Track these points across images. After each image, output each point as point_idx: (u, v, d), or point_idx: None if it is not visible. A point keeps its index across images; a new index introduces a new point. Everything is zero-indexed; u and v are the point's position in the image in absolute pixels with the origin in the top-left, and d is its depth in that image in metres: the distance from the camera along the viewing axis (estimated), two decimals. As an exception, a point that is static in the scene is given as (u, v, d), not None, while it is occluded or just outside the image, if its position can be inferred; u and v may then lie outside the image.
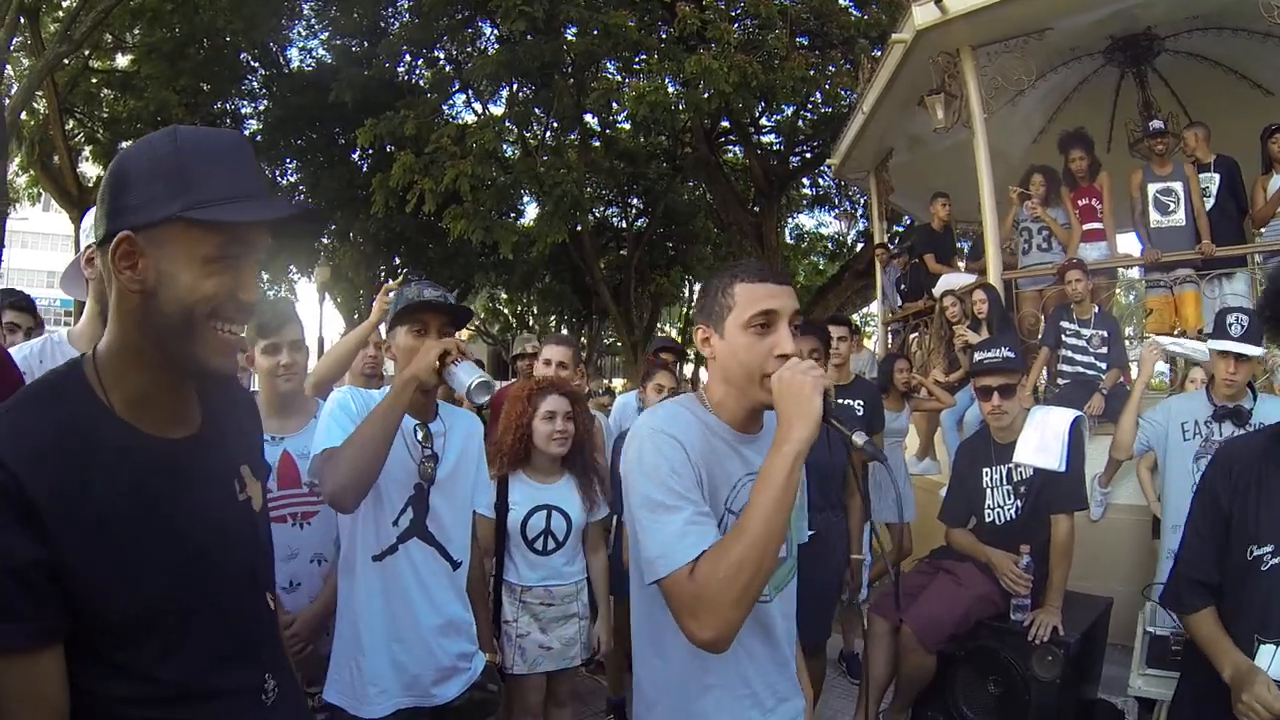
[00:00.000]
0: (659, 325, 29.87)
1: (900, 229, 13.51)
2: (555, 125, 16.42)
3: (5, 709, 1.07)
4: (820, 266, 25.34)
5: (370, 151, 16.17)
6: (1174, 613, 2.40)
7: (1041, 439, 3.56)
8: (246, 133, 19.45)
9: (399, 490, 2.36)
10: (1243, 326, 3.62)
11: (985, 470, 3.69)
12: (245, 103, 19.55)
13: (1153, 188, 6.63)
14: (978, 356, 3.73)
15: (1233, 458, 2.17)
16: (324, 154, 18.97)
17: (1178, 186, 6.59)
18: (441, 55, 17.18)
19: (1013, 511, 3.61)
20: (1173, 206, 6.56)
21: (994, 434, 3.72)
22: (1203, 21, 7.73)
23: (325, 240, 20.00)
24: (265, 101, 19.29)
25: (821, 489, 3.71)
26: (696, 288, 28.23)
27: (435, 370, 2.25)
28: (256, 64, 18.89)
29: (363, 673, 2.32)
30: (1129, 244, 7.73)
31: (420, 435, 2.42)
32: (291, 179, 19.83)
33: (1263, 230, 6.60)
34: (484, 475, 2.76)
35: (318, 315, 18.44)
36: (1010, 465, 3.64)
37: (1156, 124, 6.85)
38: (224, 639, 1.27)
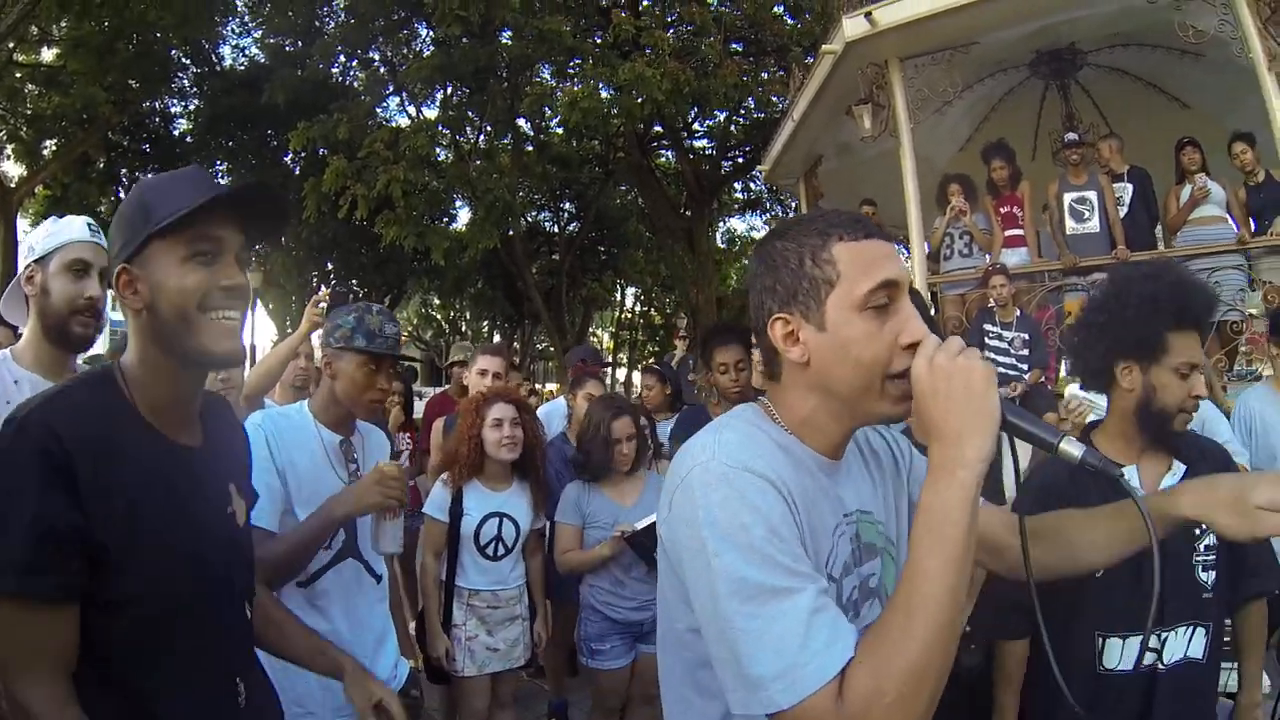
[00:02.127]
0: (591, 330, 29.96)
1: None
2: (489, 129, 16.39)
3: (23, 656, 1.19)
4: None
5: (303, 155, 15.91)
6: (996, 638, 2.51)
7: None
8: (176, 133, 19.09)
9: None
10: None
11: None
12: (175, 101, 19.22)
13: (1068, 196, 6.92)
14: None
15: (1046, 486, 2.23)
16: (255, 156, 18.66)
17: (1092, 195, 6.88)
18: (376, 57, 17.03)
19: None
20: (1088, 214, 6.85)
21: (915, 434, 3.84)
22: (1124, 38, 8.06)
23: (256, 246, 19.59)
24: (196, 101, 18.90)
25: None
26: (629, 292, 28.37)
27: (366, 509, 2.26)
28: (188, 61, 18.52)
29: (285, 694, 2.28)
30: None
31: (344, 451, 2.44)
32: (222, 181, 19.38)
33: (1176, 237, 6.91)
34: None
35: (249, 322, 17.99)
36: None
37: (1072, 136, 7.18)
38: (203, 638, 1.35)
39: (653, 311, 28.82)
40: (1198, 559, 2.09)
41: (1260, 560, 2.23)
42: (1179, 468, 2.13)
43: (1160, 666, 2.07)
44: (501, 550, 3.42)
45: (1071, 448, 1.10)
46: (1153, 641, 2.07)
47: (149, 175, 1.60)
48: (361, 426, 2.59)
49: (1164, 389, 2.07)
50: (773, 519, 1.05)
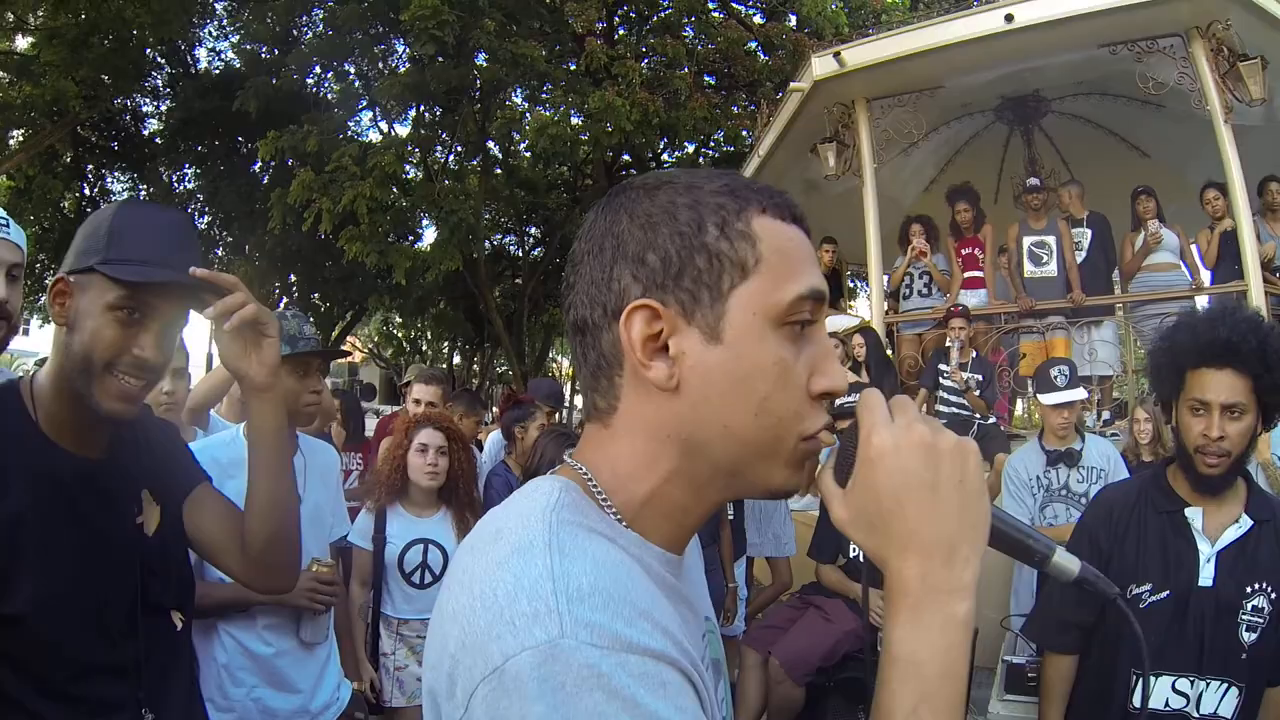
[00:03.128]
0: (551, 356, 29.90)
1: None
2: (459, 150, 16.36)
3: None
4: None
5: (272, 164, 15.79)
6: (1036, 645, 2.56)
7: None
8: (146, 132, 18.81)
9: None
10: (1066, 376, 4.03)
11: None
12: (147, 101, 18.80)
13: (1027, 240, 7.05)
14: (836, 401, 3.88)
15: (1112, 502, 2.33)
16: (225, 163, 18.38)
17: (1051, 240, 7.00)
18: (352, 70, 16.94)
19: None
20: (1046, 258, 6.98)
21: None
22: (1087, 87, 8.22)
23: (219, 253, 19.39)
24: (168, 102, 18.55)
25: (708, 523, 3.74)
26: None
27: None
28: (163, 61, 18.18)
29: (226, 715, 2.26)
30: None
31: None
32: (189, 186, 19.19)
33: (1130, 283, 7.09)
34: (342, 505, 2.78)
35: (208, 332, 17.66)
36: None
37: (1033, 181, 7.32)
38: (94, 653, 1.30)
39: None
40: (1244, 617, 2.08)
41: None
42: (1246, 522, 2.11)
43: (1194, 716, 2.08)
44: (429, 578, 3.33)
45: (1066, 561, 0.82)
46: (1187, 688, 2.09)
47: (133, 198, 1.50)
48: (305, 445, 2.57)
49: (1184, 427, 2.08)
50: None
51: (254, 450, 1.51)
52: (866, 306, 9.01)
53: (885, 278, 7.88)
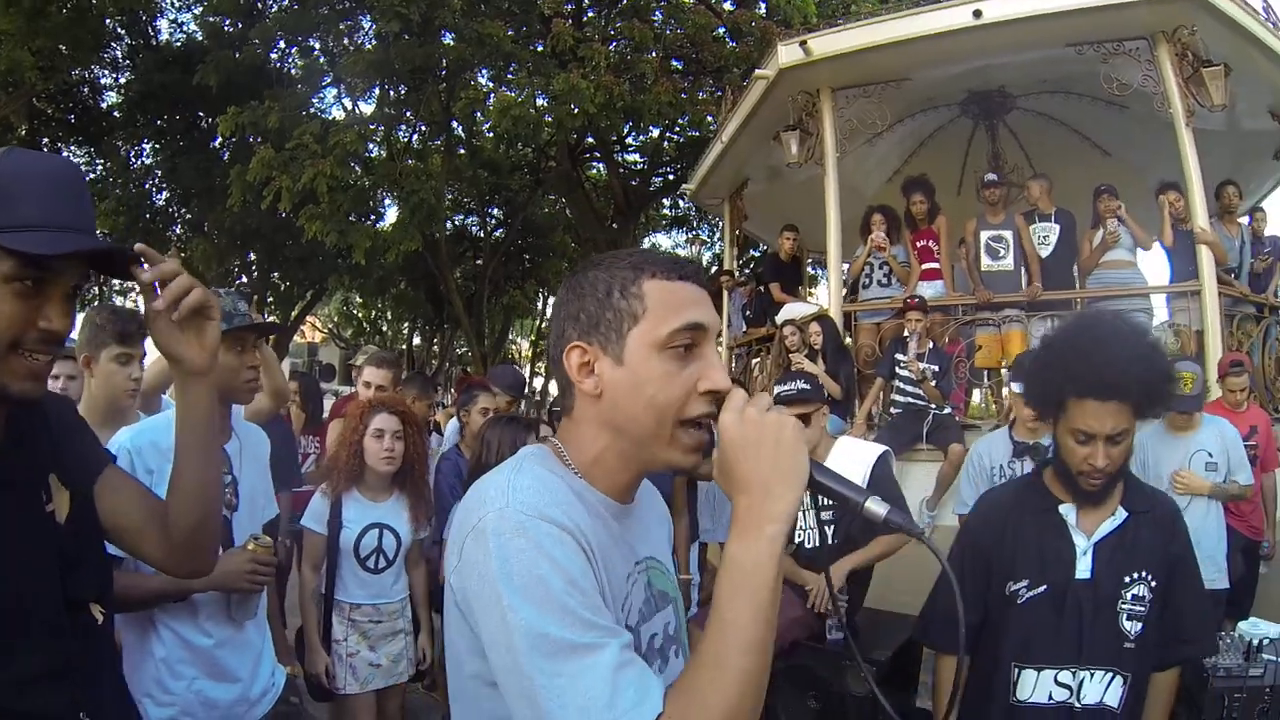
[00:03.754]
0: (510, 337, 29.82)
1: (759, 253, 13.93)
2: (424, 129, 16.17)
3: None
4: None
5: (232, 140, 15.49)
6: (925, 645, 2.62)
7: (844, 470, 3.70)
8: (104, 105, 18.35)
9: None
10: None
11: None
12: (106, 73, 18.31)
13: (985, 234, 7.14)
14: (775, 390, 3.90)
15: (992, 504, 2.44)
16: (184, 137, 17.96)
17: (1008, 234, 7.10)
18: (317, 46, 16.63)
19: (819, 535, 3.75)
20: (1003, 252, 7.07)
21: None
22: (1052, 85, 8.33)
23: (178, 230, 19.03)
24: (128, 74, 18.05)
25: None
26: (551, 301, 28.54)
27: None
28: (122, 32, 17.66)
29: (167, 709, 2.23)
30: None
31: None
32: (147, 161, 18.79)
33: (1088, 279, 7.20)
34: (271, 487, 2.78)
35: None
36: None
37: (991, 176, 7.42)
38: (27, 660, 1.20)
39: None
40: (1123, 606, 2.13)
41: (1197, 628, 2.27)
42: (1121, 514, 2.17)
43: (1076, 706, 2.13)
44: (382, 563, 3.35)
45: (876, 507, 1.08)
46: (1069, 679, 2.14)
47: (12, 146, 1.35)
48: (240, 428, 2.57)
49: (1064, 448, 2.13)
50: (572, 571, 1.01)
51: (186, 434, 1.46)
52: (826, 294, 9.08)
53: (845, 266, 7.94)
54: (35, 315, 1.20)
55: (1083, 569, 2.15)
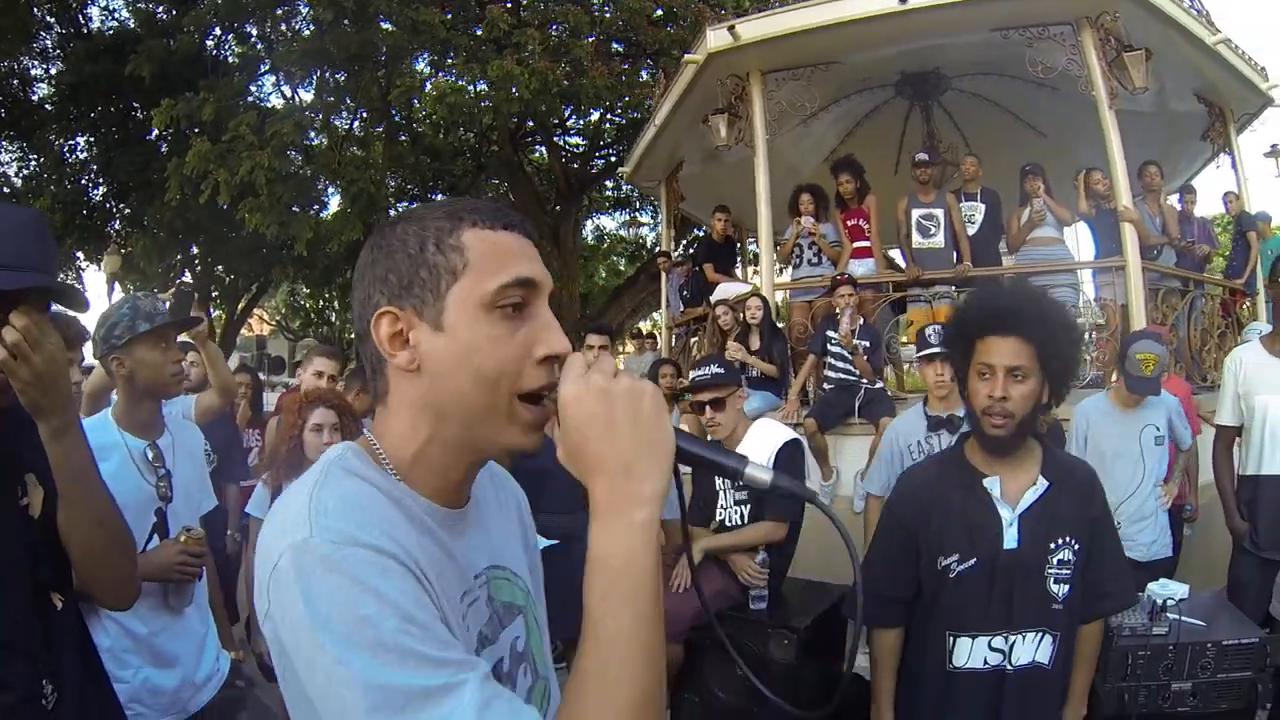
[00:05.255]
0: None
1: (700, 233, 13.99)
2: (364, 116, 15.95)
3: None
4: (621, 268, 25.53)
5: (169, 132, 15.12)
6: (863, 624, 2.69)
7: (754, 454, 3.73)
8: (35, 98, 17.77)
9: (139, 520, 2.33)
10: (939, 335, 4.11)
11: (716, 475, 3.88)
12: (36, 63, 17.67)
13: (916, 212, 7.27)
14: (691, 374, 3.97)
15: (915, 481, 2.50)
16: (119, 130, 17.38)
17: (939, 213, 7.23)
18: (254, 32, 16.27)
19: (739, 516, 3.85)
20: (933, 230, 7.20)
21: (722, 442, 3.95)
22: (985, 67, 8.46)
23: (116, 227, 18.56)
24: (59, 64, 17.45)
25: (574, 490, 3.82)
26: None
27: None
28: (52, 20, 17.13)
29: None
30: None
31: (151, 456, 2.45)
32: (82, 156, 18.22)
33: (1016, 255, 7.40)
34: (208, 480, 2.83)
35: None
36: None
37: (922, 155, 7.54)
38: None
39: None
40: (1050, 571, 2.23)
41: (1116, 583, 2.37)
42: (1043, 483, 2.25)
43: (1009, 668, 2.22)
44: None
45: (759, 473, 0.96)
46: (1000, 644, 2.23)
47: None
48: (173, 424, 2.62)
49: (972, 392, 2.23)
50: (403, 603, 0.82)
51: (66, 481, 1.48)
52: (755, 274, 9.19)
53: (778, 247, 8.02)
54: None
55: (1010, 539, 2.23)
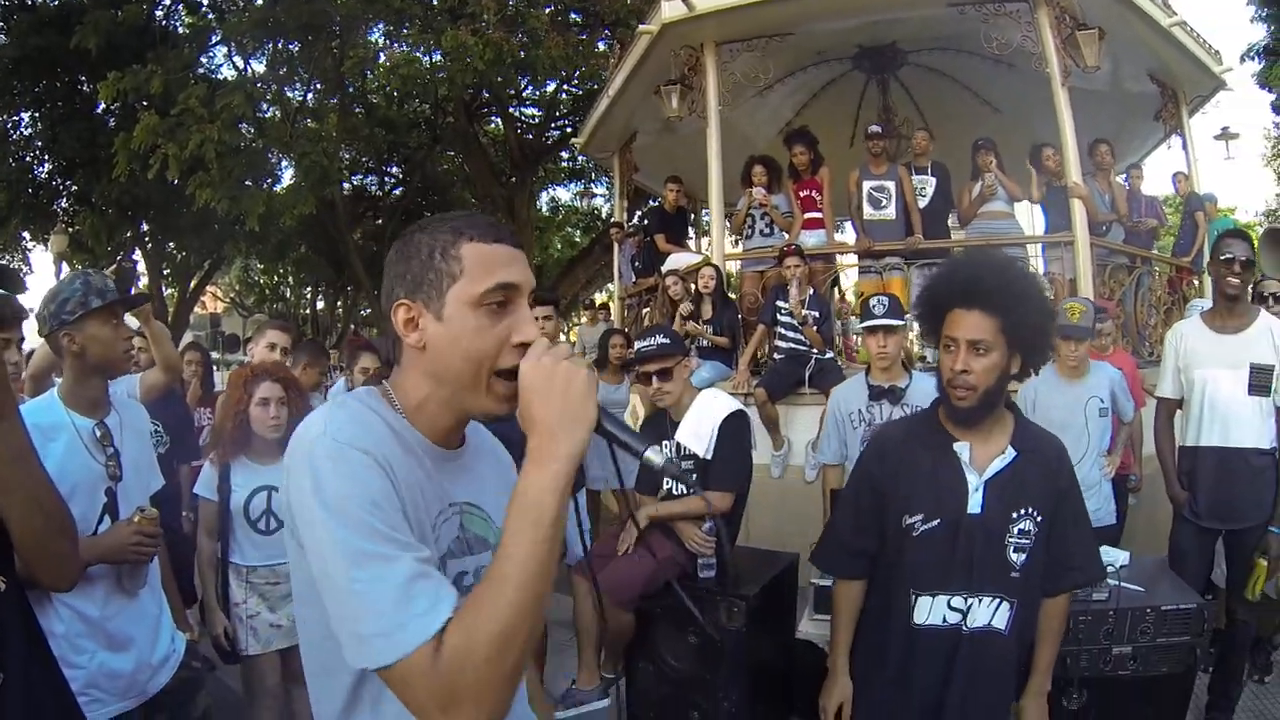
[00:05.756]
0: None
1: (655, 204, 13.97)
2: (318, 88, 15.66)
3: None
4: (576, 239, 25.52)
5: (116, 107, 14.74)
6: (828, 573, 2.78)
7: (698, 424, 3.81)
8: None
9: (90, 500, 2.35)
10: (884, 306, 4.22)
11: (664, 443, 3.87)
12: None
13: (867, 184, 7.31)
14: (637, 345, 3.96)
15: (885, 440, 2.56)
16: (65, 105, 16.86)
17: (890, 185, 7.28)
18: (204, 2, 15.88)
19: (684, 486, 3.84)
20: (885, 202, 7.24)
21: (669, 411, 3.93)
22: (941, 42, 8.52)
23: (64, 204, 18.09)
24: (1, 38, 16.89)
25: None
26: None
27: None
28: None
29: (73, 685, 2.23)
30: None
31: (99, 434, 2.45)
32: (26, 132, 17.67)
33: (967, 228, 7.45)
34: (154, 459, 2.81)
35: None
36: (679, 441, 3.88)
37: (874, 128, 7.56)
38: None
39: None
40: (1010, 540, 2.26)
41: (1084, 557, 2.41)
42: (1011, 453, 2.29)
43: (964, 628, 2.27)
44: (274, 524, 3.37)
45: (655, 456, 1.20)
46: (959, 603, 2.28)
47: None
48: (119, 403, 2.61)
49: (941, 365, 2.29)
50: (375, 494, 1.14)
51: (5, 467, 1.47)
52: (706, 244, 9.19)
53: (730, 218, 8.01)
54: None
55: (974, 504, 2.27)
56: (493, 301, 1.24)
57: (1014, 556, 2.26)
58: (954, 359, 2.21)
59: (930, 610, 2.29)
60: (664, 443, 3.85)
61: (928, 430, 2.40)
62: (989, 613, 2.26)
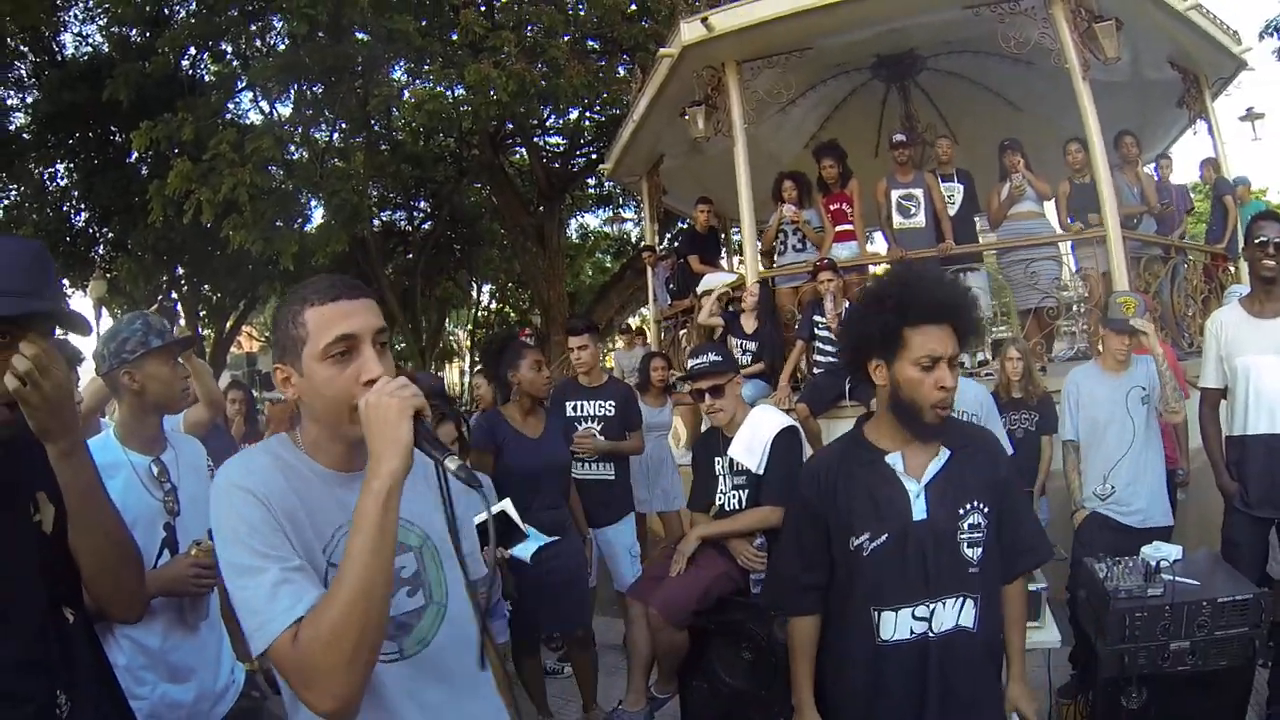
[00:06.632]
0: (447, 329, 29.47)
1: (684, 225, 14.01)
2: (343, 127, 15.92)
3: None
4: (607, 264, 25.61)
5: (150, 155, 15.05)
6: (778, 613, 2.73)
7: (750, 439, 3.77)
8: (13, 128, 17.62)
9: (149, 534, 2.36)
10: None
11: (717, 459, 3.89)
12: (12, 93, 17.47)
13: (895, 193, 7.31)
14: (689, 363, 3.98)
15: (817, 467, 2.48)
16: (99, 155, 17.33)
17: (918, 192, 7.28)
18: (229, 49, 16.21)
19: (736, 501, 3.84)
20: (914, 210, 7.24)
21: (721, 428, 3.98)
22: (959, 45, 8.51)
23: (100, 251, 18.48)
24: (34, 93, 17.28)
25: (559, 488, 4.14)
26: (485, 290, 28.40)
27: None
28: (26, 50, 17.04)
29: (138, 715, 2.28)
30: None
31: (156, 471, 2.49)
32: (62, 183, 18.11)
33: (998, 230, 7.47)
34: (209, 490, 2.79)
35: (95, 335, 16.66)
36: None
37: (898, 136, 7.56)
38: (14, 648, 1.36)
39: (508, 308, 28.49)
40: (962, 537, 2.25)
41: (1034, 538, 2.43)
42: (944, 453, 2.28)
43: (931, 635, 2.23)
44: None
45: (451, 464, 1.39)
46: (922, 611, 2.23)
47: None
48: (174, 440, 2.66)
49: (908, 383, 2.19)
50: (252, 521, 1.40)
51: (75, 500, 1.57)
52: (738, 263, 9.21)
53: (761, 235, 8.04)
54: (3, 367, 1.37)
55: (918, 511, 2.24)
56: (336, 352, 1.46)
57: (969, 552, 2.24)
58: (940, 376, 2.15)
59: (895, 625, 2.24)
60: (716, 459, 3.89)
61: (857, 449, 2.37)
62: (954, 613, 2.24)
